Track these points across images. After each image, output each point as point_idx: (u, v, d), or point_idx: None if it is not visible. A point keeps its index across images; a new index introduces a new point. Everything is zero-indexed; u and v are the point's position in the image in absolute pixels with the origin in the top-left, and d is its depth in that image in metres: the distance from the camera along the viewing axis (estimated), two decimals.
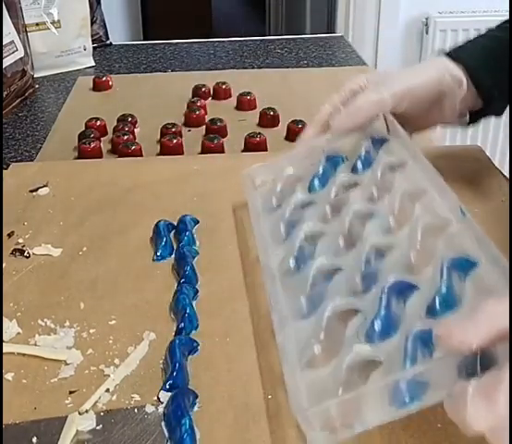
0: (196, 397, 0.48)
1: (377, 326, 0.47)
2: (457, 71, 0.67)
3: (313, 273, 0.53)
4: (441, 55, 0.69)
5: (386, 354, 0.45)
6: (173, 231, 0.68)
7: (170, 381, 0.49)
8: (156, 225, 0.68)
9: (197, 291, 0.59)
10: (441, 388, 0.40)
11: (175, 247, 0.66)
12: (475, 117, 0.71)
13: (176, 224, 0.69)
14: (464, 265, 0.48)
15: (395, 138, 0.65)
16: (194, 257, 0.64)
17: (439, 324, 0.41)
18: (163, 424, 0.46)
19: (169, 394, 0.48)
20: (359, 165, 0.65)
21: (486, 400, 0.35)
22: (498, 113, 0.71)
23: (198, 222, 0.70)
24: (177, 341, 0.53)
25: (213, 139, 0.88)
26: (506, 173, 0.79)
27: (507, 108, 0.71)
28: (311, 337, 0.47)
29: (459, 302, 0.46)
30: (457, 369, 0.40)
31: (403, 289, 0.49)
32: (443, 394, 0.39)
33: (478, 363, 0.39)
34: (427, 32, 2.19)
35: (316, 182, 0.65)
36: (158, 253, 0.65)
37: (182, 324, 0.55)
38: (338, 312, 0.48)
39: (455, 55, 0.68)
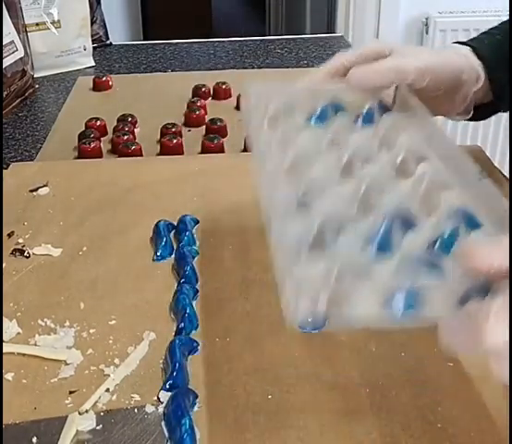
0: (196, 397, 0.48)
1: (374, 245, 0.46)
2: (476, 63, 0.66)
3: (306, 190, 0.52)
4: (461, 45, 0.68)
5: (385, 269, 0.44)
6: (173, 231, 0.68)
7: (170, 381, 0.49)
8: (156, 225, 0.68)
9: (197, 291, 0.60)
10: (438, 308, 0.39)
11: (175, 247, 0.66)
12: (484, 112, 0.71)
13: (176, 224, 0.69)
14: (470, 222, 0.47)
15: (401, 109, 0.64)
16: (194, 257, 0.64)
17: (463, 242, 0.41)
18: (163, 424, 0.46)
19: (169, 394, 0.48)
20: (360, 120, 0.64)
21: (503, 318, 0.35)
22: (506, 109, 0.71)
23: (198, 222, 0.70)
24: (177, 341, 0.53)
25: (213, 139, 0.88)
26: (506, 173, 0.79)
27: None
28: (305, 237, 0.46)
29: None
30: (459, 293, 0.39)
31: (403, 223, 0.48)
32: (439, 314, 0.38)
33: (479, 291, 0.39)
34: (427, 32, 2.19)
35: (314, 118, 0.64)
36: (158, 253, 0.65)
37: (182, 324, 0.55)
38: (333, 222, 0.47)
39: (476, 46, 0.67)
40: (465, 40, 0.71)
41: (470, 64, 0.66)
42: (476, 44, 0.68)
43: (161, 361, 0.52)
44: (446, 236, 0.46)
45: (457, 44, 0.69)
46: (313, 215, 0.48)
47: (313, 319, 0.40)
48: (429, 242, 0.46)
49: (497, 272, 0.36)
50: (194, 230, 0.68)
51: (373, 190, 0.52)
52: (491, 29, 0.72)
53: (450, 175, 0.53)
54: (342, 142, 0.59)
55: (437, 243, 0.45)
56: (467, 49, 0.67)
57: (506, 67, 0.67)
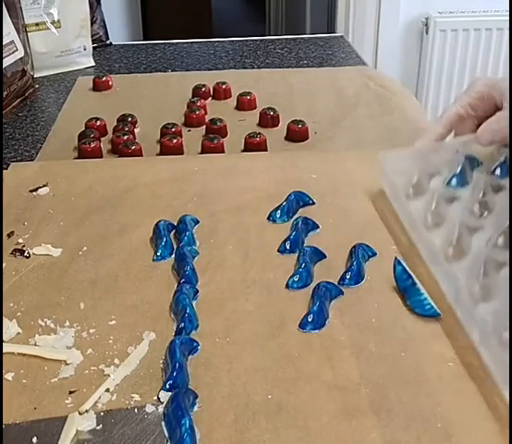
0: (196, 397, 0.48)
1: None
2: None
3: (482, 261, 0.56)
4: None
5: None
6: (173, 231, 0.68)
7: (170, 381, 0.49)
8: (156, 225, 0.68)
9: (197, 291, 0.60)
10: None
11: (175, 247, 0.66)
12: None
13: (176, 224, 0.69)
14: None
15: None
16: (194, 257, 0.64)
17: None
18: (163, 424, 0.46)
19: (169, 394, 0.48)
20: (498, 170, 0.68)
21: None
22: None
23: (198, 222, 0.70)
24: (177, 341, 0.53)
25: (213, 139, 0.88)
26: None
27: None
28: (503, 321, 0.50)
29: None
30: None
31: None
32: None
33: None
34: (427, 32, 2.19)
35: (455, 180, 0.69)
36: (158, 253, 0.65)
37: (182, 324, 0.55)
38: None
39: None
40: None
41: None
42: None
43: (161, 361, 0.52)
44: None
45: None
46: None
47: None
48: None
49: None
50: (194, 230, 0.68)
51: None
52: None
53: None
54: (492, 204, 0.64)
55: None
56: None
57: None
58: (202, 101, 1.03)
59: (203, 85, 1.08)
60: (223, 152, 0.88)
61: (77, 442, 0.46)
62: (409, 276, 0.58)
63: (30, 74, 1.13)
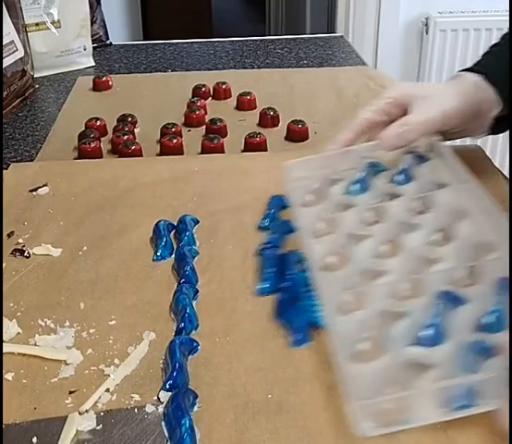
0: (196, 397, 0.48)
1: (428, 331, 0.48)
2: (490, 91, 0.69)
3: (358, 271, 0.55)
4: (469, 72, 0.70)
5: (439, 360, 0.46)
6: (173, 231, 0.68)
7: (170, 381, 0.49)
8: (156, 225, 0.68)
9: (197, 291, 0.60)
10: (492, 398, 0.42)
11: (175, 247, 0.66)
12: (501, 126, 0.73)
13: (176, 224, 0.69)
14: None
15: (437, 157, 0.67)
16: (194, 257, 0.64)
17: (501, 334, 0.44)
18: (163, 424, 0.46)
19: (169, 394, 0.48)
20: (400, 177, 0.67)
21: None
22: None
23: (198, 222, 0.70)
24: (177, 341, 0.53)
25: (213, 139, 0.88)
26: (506, 173, 0.79)
27: None
28: (359, 333, 0.49)
29: (509, 321, 0.48)
30: (509, 385, 0.42)
31: (453, 301, 0.50)
32: (493, 404, 0.42)
33: None
34: (427, 32, 2.19)
35: (355, 186, 0.67)
36: (158, 253, 0.65)
37: (182, 324, 0.55)
38: (385, 313, 0.50)
39: (485, 73, 0.70)
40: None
41: (487, 93, 0.68)
42: (486, 70, 0.70)
43: (161, 361, 0.52)
44: (496, 310, 0.48)
45: (466, 73, 0.70)
46: (368, 307, 0.51)
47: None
48: (478, 319, 0.48)
49: None
50: (194, 230, 0.68)
51: (420, 262, 0.55)
52: (492, 46, 0.74)
53: (491, 235, 0.56)
54: (384, 215, 0.62)
55: (487, 321, 0.48)
56: (477, 78, 0.69)
57: None
58: (202, 101, 1.03)
59: (203, 85, 1.08)
60: (223, 152, 0.88)
61: (77, 442, 0.46)
62: None
63: (30, 74, 1.13)
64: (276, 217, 0.70)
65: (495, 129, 0.73)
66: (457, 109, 0.66)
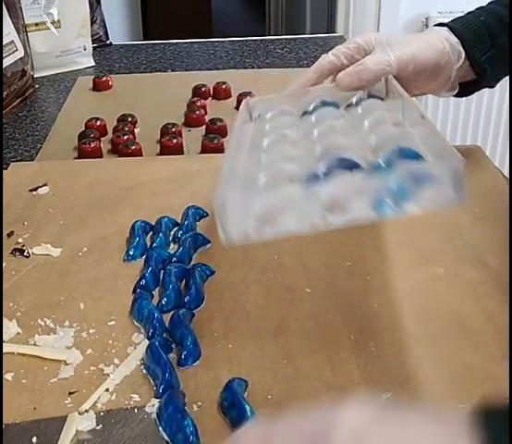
0: (184, 396, 0.48)
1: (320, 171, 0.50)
2: (456, 44, 0.69)
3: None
4: (441, 27, 0.71)
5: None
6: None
7: (162, 385, 0.49)
8: (132, 225, 0.68)
9: (153, 296, 0.59)
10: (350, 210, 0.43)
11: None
12: (468, 89, 0.74)
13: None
14: (410, 156, 0.50)
15: (392, 99, 0.67)
16: (165, 260, 0.63)
17: None
18: (162, 424, 0.46)
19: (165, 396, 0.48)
20: (347, 108, 0.67)
21: None
22: (491, 86, 0.74)
23: (177, 224, 0.69)
24: (156, 343, 0.52)
25: (213, 139, 0.88)
26: (506, 173, 0.79)
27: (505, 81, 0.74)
28: (255, 169, 0.50)
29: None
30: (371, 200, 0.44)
31: (349, 166, 0.51)
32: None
33: None
34: None
35: (305, 116, 0.67)
36: (130, 253, 0.65)
37: (151, 330, 0.55)
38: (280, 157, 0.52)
39: (454, 27, 0.71)
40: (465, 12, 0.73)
41: (450, 45, 0.69)
42: (457, 25, 0.71)
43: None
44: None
45: (437, 27, 0.72)
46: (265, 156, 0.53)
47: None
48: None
49: None
50: (172, 232, 0.68)
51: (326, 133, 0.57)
52: (477, 8, 0.74)
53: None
54: (315, 124, 0.63)
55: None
56: (446, 30, 0.70)
57: (487, 47, 0.70)
58: (202, 101, 1.03)
59: (203, 85, 1.08)
60: (223, 152, 0.88)
61: (76, 442, 0.46)
62: None
63: (30, 74, 1.13)
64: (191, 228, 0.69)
65: (463, 92, 0.74)
66: (413, 55, 0.67)
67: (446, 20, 0.73)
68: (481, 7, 0.74)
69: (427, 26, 2.18)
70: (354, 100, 0.68)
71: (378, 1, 2.17)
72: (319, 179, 0.48)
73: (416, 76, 0.68)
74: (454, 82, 0.72)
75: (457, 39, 0.69)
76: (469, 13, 0.74)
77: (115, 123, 0.95)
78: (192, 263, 0.64)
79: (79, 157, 0.88)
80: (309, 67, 1.20)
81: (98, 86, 1.12)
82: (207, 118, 0.96)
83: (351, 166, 0.50)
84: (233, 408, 0.47)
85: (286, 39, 1.42)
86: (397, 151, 0.51)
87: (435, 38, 0.69)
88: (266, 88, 1.10)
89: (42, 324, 0.56)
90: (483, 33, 0.70)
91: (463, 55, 0.69)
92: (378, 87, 0.68)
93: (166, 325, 0.55)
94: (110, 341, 0.54)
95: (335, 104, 0.68)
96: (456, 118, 2.12)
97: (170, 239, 0.67)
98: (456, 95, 0.74)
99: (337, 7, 2.27)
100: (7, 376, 0.51)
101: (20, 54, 1.09)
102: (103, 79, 1.12)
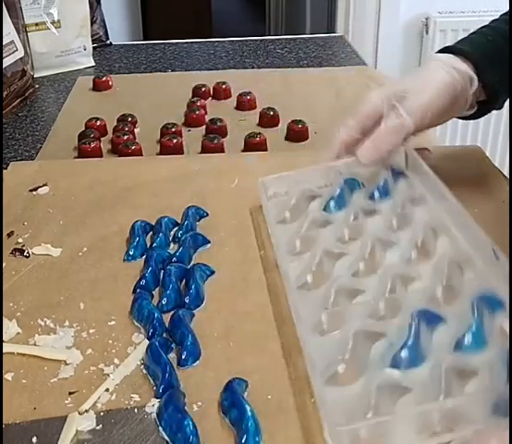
0: (184, 396, 0.48)
1: (405, 353, 0.47)
2: (466, 69, 0.67)
3: (335, 290, 0.54)
4: (445, 53, 0.69)
5: (416, 383, 0.45)
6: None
7: (162, 385, 0.49)
8: (132, 225, 0.68)
9: (153, 296, 0.59)
10: (471, 422, 0.41)
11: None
12: (480, 110, 0.72)
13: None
14: (493, 303, 0.49)
15: (414, 173, 0.66)
16: (166, 259, 0.63)
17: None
18: (162, 424, 0.46)
19: (164, 396, 0.48)
20: (377, 193, 0.67)
21: None
22: (500, 107, 0.72)
23: (177, 224, 0.69)
24: (156, 343, 0.52)
25: (213, 139, 0.88)
26: (506, 173, 0.79)
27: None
28: (336, 354, 0.48)
29: (488, 340, 0.47)
30: (490, 406, 0.41)
31: (430, 320, 0.50)
32: (473, 428, 0.40)
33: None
34: (427, 32, 2.19)
35: (332, 203, 0.67)
36: (130, 253, 0.65)
37: (151, 330, 0.55)
38: (362, 333, 0.49)
39: (461, 51, 0.68)
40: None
41: (460, 73, 0.66)
42: (466, 48, 0.68)
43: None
44: (474, 329, 0.48)
45: (441, 55, 0.69)
46: (345, 327, 0.50)
47: None
48: (457, 338, 0.48)
49: None
50: (172, 232, 0.68)
51: (397, 281, 0.54)
52: (482, 27, 0.72)
53: (468, 251, 0.55)
54: (362, 232, 0.61)
55: (465, 340, 0.48)
56: (451, 58, 0.67)
57: (497, 68, 0.68)
58: (202, 101, 1.03)
59: (203, 85, 1.08)
60: (223, 152, 0.88)
61: (76, 442, 0.46)
62: None
63: (30, 74, 1.13)
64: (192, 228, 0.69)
65: (475, 114, 0.72)
66: (427, 105, 0.64)
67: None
68: (487, 26, 0.71)
69: (427, 26, 2.18)
70: (381, 181, 0.66)
71: (378, 1, 2.17)
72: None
73: (437, 118, 0.66)
74: (472, 103, 0.70)
75: (465, 64, 0.67)
76: (474, 33, 0.71)
77: (115, 123, 0.95)
78: (192, 263, 0.64)
79: (79, 157, 0.88)
80: (309, 67, 1.20)
81: (98, 86, 1.12)
82: (207, 118, 0.96)
83: (435, 319, 0.50)
84: (233, 408, 0.47)
85: (286, 39, 1.42)
86: (478, 298, 0.50)
87: (444, 71, 0.66)
88: (266, 88, 1.10)
89: (42, 324, 0.56)
90: (493, 54, 0.68)
91: (475, 80, 0.67)
92: (398, 159, 0.67)
93: (166, 325, 0.55)
94: (110, 341, 0.54)
95: (357, 182, 0.67)
96: (455, 118, 2.12)
97: (170, 239, 0.67)
98: (468, 118, 0.73)
99: (337, 7, 2.27)
100: (7, 376, 0.51)
101: (20, 54, 1.09)
102: (103, 79, 1.12)
